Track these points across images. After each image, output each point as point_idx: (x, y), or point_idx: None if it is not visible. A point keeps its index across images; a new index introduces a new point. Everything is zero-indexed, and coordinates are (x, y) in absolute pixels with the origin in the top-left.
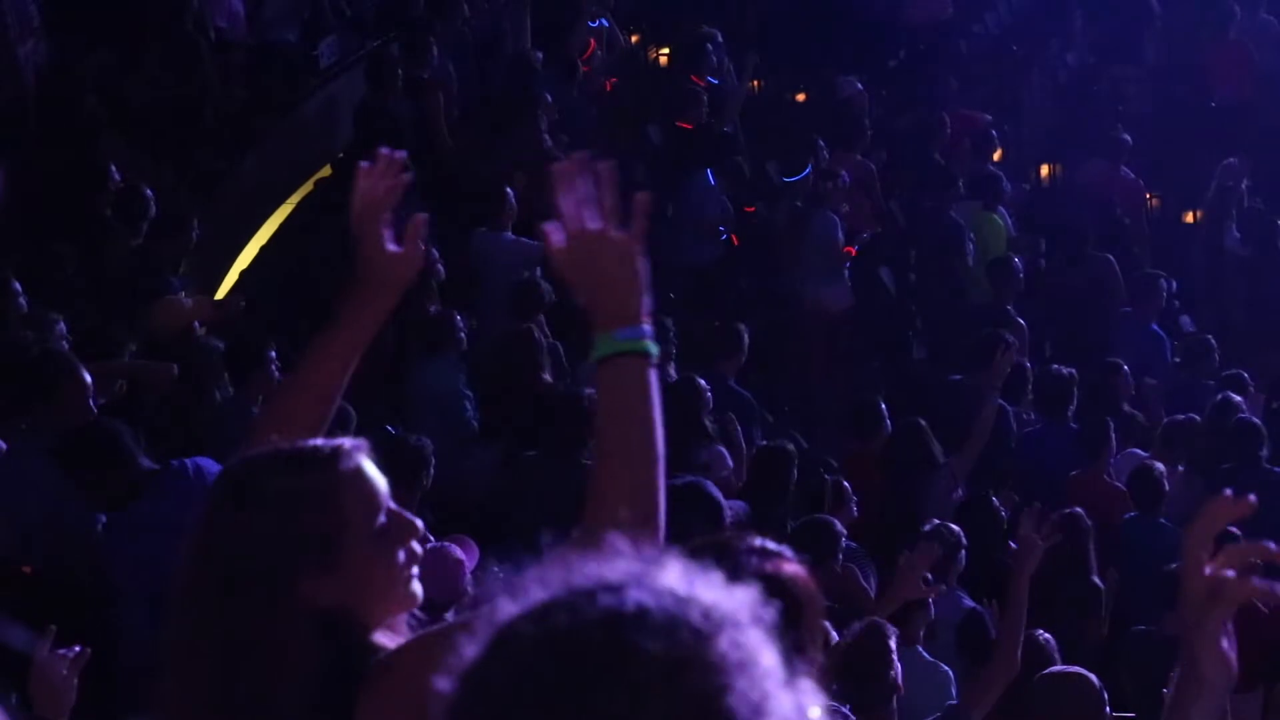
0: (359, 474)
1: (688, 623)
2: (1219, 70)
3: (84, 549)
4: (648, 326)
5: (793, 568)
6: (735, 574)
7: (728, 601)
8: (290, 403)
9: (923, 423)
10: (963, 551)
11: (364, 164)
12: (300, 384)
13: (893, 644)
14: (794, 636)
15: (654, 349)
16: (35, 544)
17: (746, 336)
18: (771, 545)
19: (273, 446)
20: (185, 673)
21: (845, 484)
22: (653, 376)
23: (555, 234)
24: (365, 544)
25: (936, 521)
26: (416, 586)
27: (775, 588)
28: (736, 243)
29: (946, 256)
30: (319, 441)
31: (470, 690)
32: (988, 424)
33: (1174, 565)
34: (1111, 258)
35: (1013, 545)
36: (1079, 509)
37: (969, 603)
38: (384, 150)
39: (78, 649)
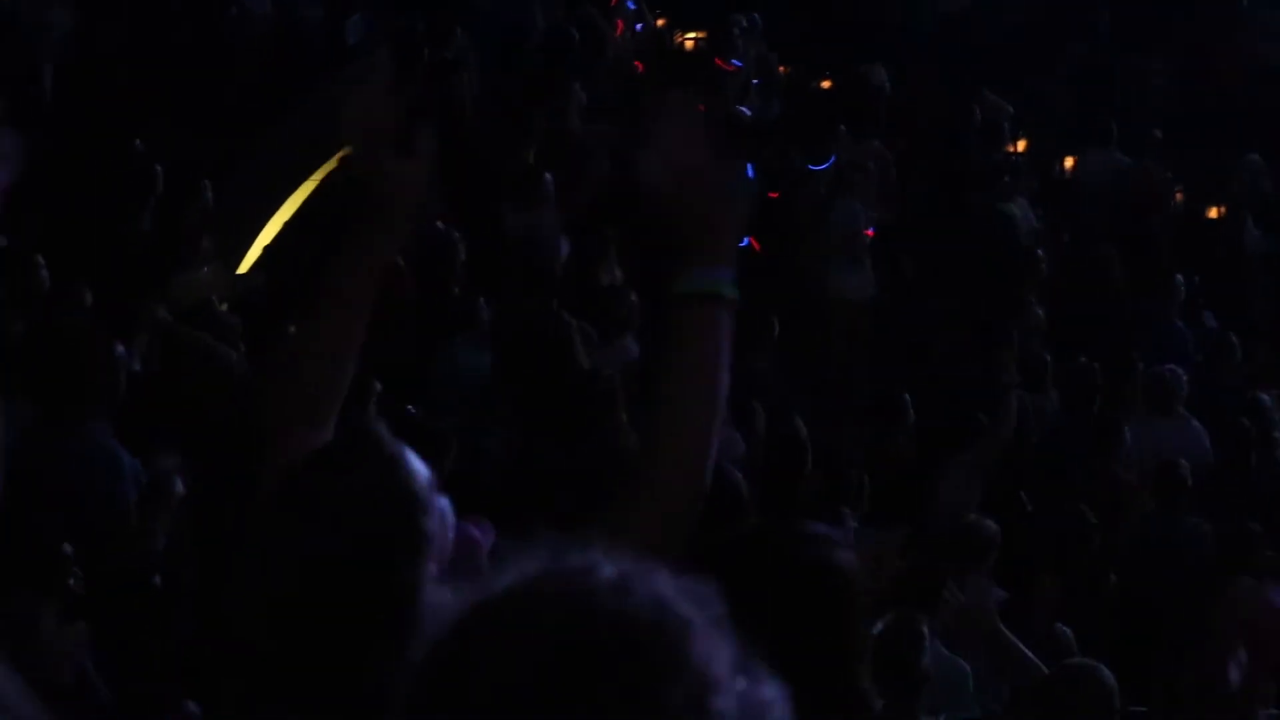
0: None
1: (642, 608)
2: (1232, 67)
3: (116, 523)
4: (731, 271)
5: (845, 555)
6: (783, 563)
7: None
8: (304, 373)
9: (952, 415)
10: (996, 547)
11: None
12: (313, 348)
13: (925, 632)
14: (843, 622)
15: (734, 294)
16: (79, 523)
17: (776, 324)
18: (822, 531)
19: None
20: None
21: (863, 477)
22: (727, 324)
23: (653, 163)
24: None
25: (975, 516)
26: None
27: (824, 574)
28: (757, 248)
29: (997, 250)
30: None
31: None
32: (1009, 417)
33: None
34: (1117, 254)
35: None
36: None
37: (1001, 594)
38: (381, 59)
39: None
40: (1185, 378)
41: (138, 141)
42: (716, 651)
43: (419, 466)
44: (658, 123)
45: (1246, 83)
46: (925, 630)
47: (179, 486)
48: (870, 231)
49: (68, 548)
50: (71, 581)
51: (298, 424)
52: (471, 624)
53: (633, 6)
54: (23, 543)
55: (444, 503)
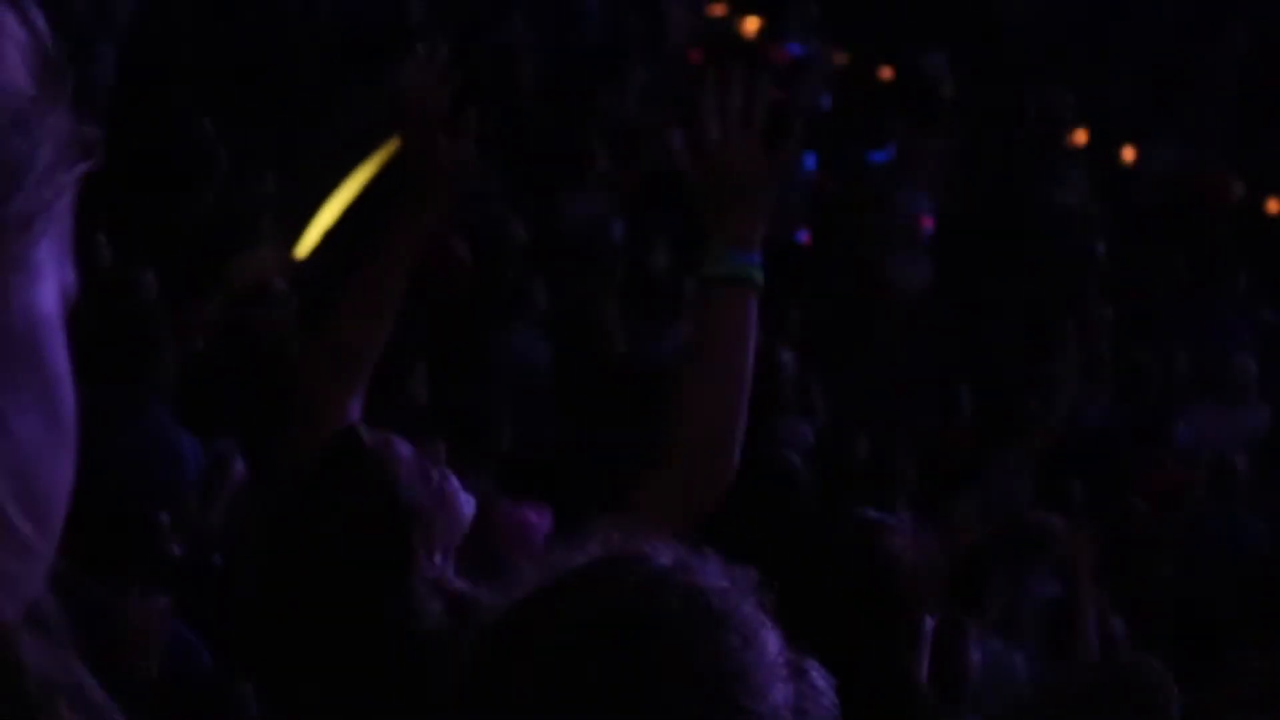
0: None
1: (704, 595)
2: None
3: (177, 503)
4: (759, 255)
5: (900, 541)
6: (837, 548)
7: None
8: (342, 330)
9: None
10: (1053, 541)
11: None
12: (352, 306)
13: (971, 634)
14: (897, 610)
15: (760, 278)
16: (123, 492)
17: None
18: (879, 517)
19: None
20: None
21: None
22: (754, 308)
23: (696, 139)
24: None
25: (1037, 510)
26: None
27: (878, 560)
28: (809, 243)
29: (1055, 242)
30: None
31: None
32: (1061, 409)
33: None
34: (1178, 248)
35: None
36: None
37: (1055, 590)
38: (431, 47)
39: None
40: (1255, 367)
41: (206, 122)
42: (764, 642)
43: (402, 460)
44: (705, 102)
45: None
46: (971, 625)
47: (239, 467)
48: (928, 221)
49: (164, 517)
50: (166, 552)
51: (329, 383)
52: (514, 621)
53: None
54: (108, 521)
55: (451, 480)
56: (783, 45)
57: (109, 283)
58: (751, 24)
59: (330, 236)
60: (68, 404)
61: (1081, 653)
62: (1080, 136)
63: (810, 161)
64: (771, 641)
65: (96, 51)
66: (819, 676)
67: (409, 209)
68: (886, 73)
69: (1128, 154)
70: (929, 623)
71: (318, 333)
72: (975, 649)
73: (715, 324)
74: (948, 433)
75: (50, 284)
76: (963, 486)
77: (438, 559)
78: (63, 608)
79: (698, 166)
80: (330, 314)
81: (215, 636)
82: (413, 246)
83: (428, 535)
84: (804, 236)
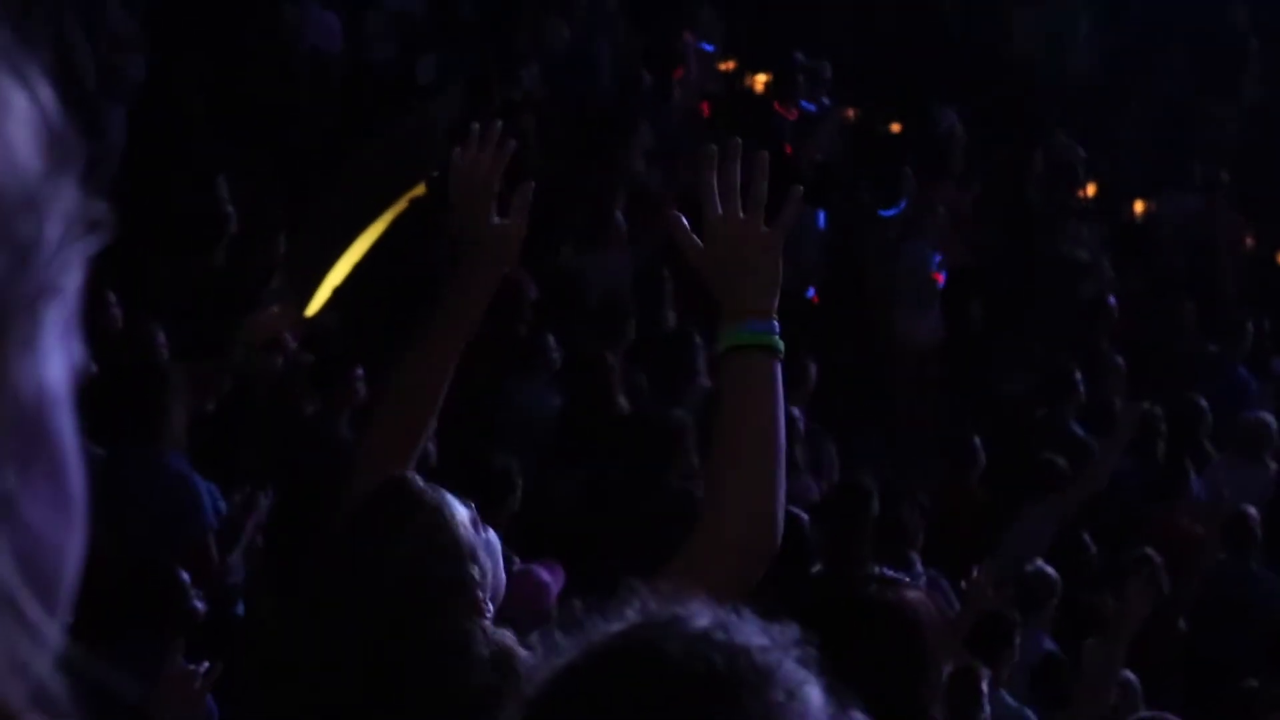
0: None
1: (747, 653)
2: None
3: (199, 556)
4: (776, 322)
5: (916, 594)
6: (855, 606)
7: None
8: (396, 409)
9: (1043, 459)
10: (1055, 599)
11: (472, 133)
12: (404, 385)
13: (984, 686)
14: (917, 665)
15: (781, 345)
16: (145, 549)
17: (813, 370)
18: (893, 574)
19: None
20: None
21: (916, 518)
22: (778, 373)
23: (697, 217)
24: None
25: (1039, 563)
26: None
27: (898, 615)
28: (817, 302)
29: (1065, 295)
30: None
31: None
32: (1103, 475)
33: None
34: (1189, 300)
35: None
36: (1151, 552)
37: (1049, 645)
38: (486, 124)
39: (207, 665)
40: (1275, 425)
41: (218, 180)
42: (807, 697)
43: (460, 510)
44: (705, 180)
45: None
46: (985, 679)
47: (258, 519)
48: (940, 276)
49: (185, 575)
50: (189, 607)
51: (386, 456)
52: (561, 691)
53: (710, 49)
54: (131, 581)
55: (493, 537)
56: (794, 101)
57: (121, 341)
58: (761, 80)
59: (342, 292)
60: (77, 479)
61: (1096, 709)
62: (1091, 189)
63: (820, 219)
64: (815, 695)
65: (108, 114)
66: None
67: (464, 281)
68: (896, 127)
69: (1138, 207)
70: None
71: (380, 404)
72: (986, 704)
73: (738, 393)
74: (962, 486)
75: (58, 361)
76: (983, 543)
77: (489, 607)
78: (72, 687)
79: (700, 246)
80: (392, 383)
81: (233, 689)
82: (464, 328)
83: (483, 580)
84: (813, 293)
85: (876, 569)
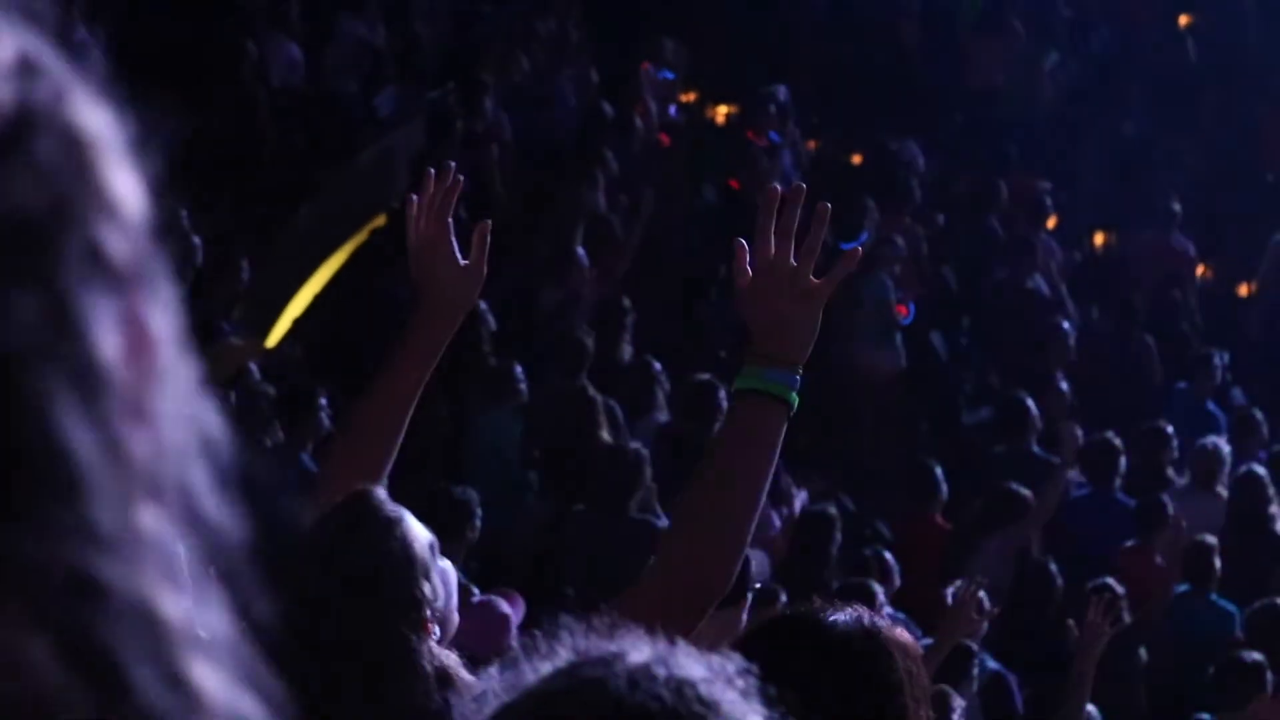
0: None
1: (692, 685)
2: (1268, 144)
3: None
4: (799, 376)
5: (898, 631)
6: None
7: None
8: (356, 444)
9: (1005, 489)
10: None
11: (428, 175)
12: (365, 422)
13: (957, 717)
14: (893, 701)
15: (796, 401)
16: None
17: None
18: (856, 610)
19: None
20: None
21: (888, 556)
22: (782, 427)
23: (748, 257)
24: None
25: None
26: None
27: (874, 649)
28: None
29: (1025, 325)
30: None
31: None
32: (1055, 498)
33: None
34: (1151, 340)
35: (1070, 624)
36: (1113, 582)
37: (993, 665)
38: (433, 169)
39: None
40: (1227, 452)
41: (184, 213)
42: None
43: (419, 530)
44: (763, 222)
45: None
46: (958, 710)
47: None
48: (904, 309)
49: None
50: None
51: (346, 489)
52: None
53: (671, 77)
54: None
55: (449, 568)
56: (761, 132)
57: None
58: (722, 111)
59: (302, 324)
60: None
61: None
62: (1052, 222)
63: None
64: None
65: None
66: None
67: (423, 320)
68: (857, 159)
69: (1099, 238)
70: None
71: (341, 438)
72: None
73: (741, 436)
74: (924, 517)
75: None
76: (946, 574)
77: (436, 630)
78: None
79: (750, 278)
80: (352, 418)
81: None
82: (424, 367)
83: (434, 602)
84: None
85: (840, 606)
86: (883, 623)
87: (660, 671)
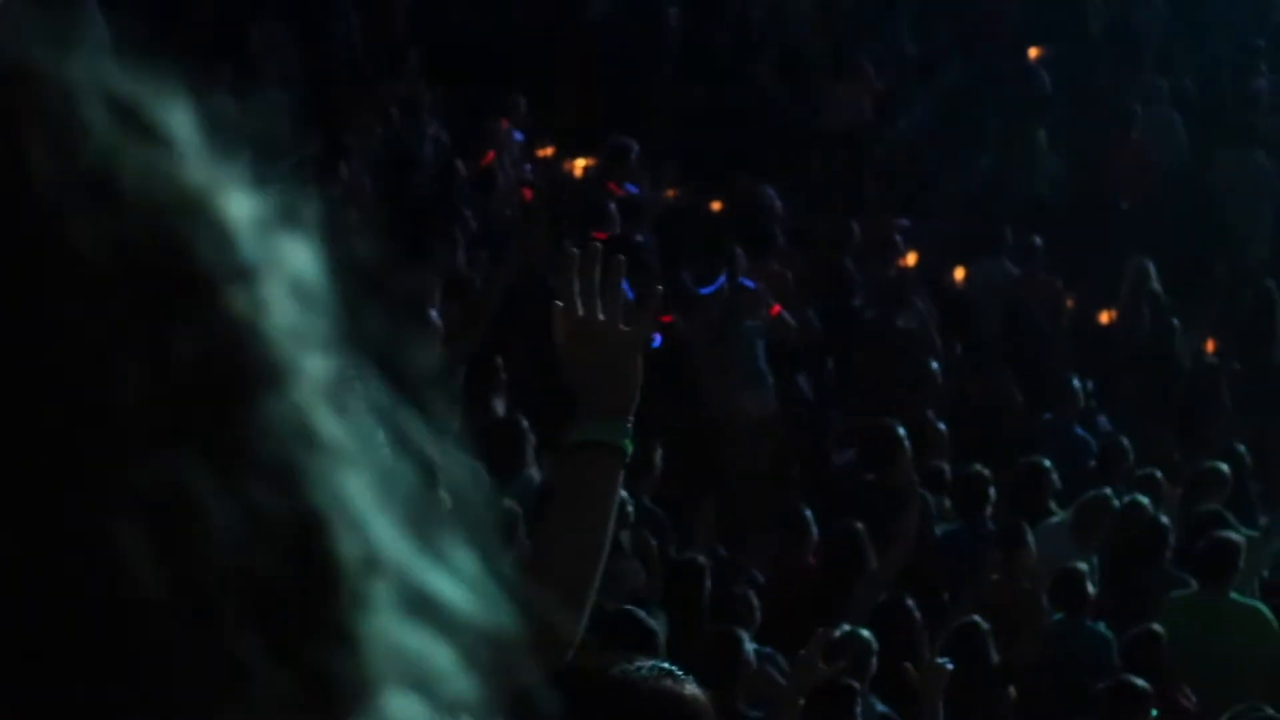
0: None
1: None
2: (1119, 172)
3: None
4: (630, 425)
5: (690, 689)
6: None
7: None
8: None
9: (858, 528)
10: (874, 658)
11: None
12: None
13: None
14: None
15: (630, 448)
16: None
17: (659, 455)
18: (669, 669)
19: None
20: None
21: (751, 596)
22: (619, 475)
23: (561, 316)
24: None
25: (846, 627)
26: None
27: (674, 706)
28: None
29: (891, 364)
30: None
31: None
32: (910, 527)
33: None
34: (1010, 373)
35: (908, 667)
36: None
37: (882, 708)
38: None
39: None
40: (1054, 474)
41: None
42: None
43: None
44: (566, 282)
45: (1133, 185)
46: None
47: None
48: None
49: None
50: None
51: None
52: None
53: (520, 138)
54: None
55: None
56: (621, 184)
57: None
58: (580, 164)
59: None
60: None
61: None
62: (911, 259)
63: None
64: None
65: None
66: None
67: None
68: (717, 206)
69: (958, 274)
70: None
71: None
72: None
73: (577, 487)
74: (796, 559)
75: None
76: (818, 616)
77: None
78: None
79: (566, 342)
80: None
81: None
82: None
83: None
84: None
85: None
86: (687, 689)
87: None
